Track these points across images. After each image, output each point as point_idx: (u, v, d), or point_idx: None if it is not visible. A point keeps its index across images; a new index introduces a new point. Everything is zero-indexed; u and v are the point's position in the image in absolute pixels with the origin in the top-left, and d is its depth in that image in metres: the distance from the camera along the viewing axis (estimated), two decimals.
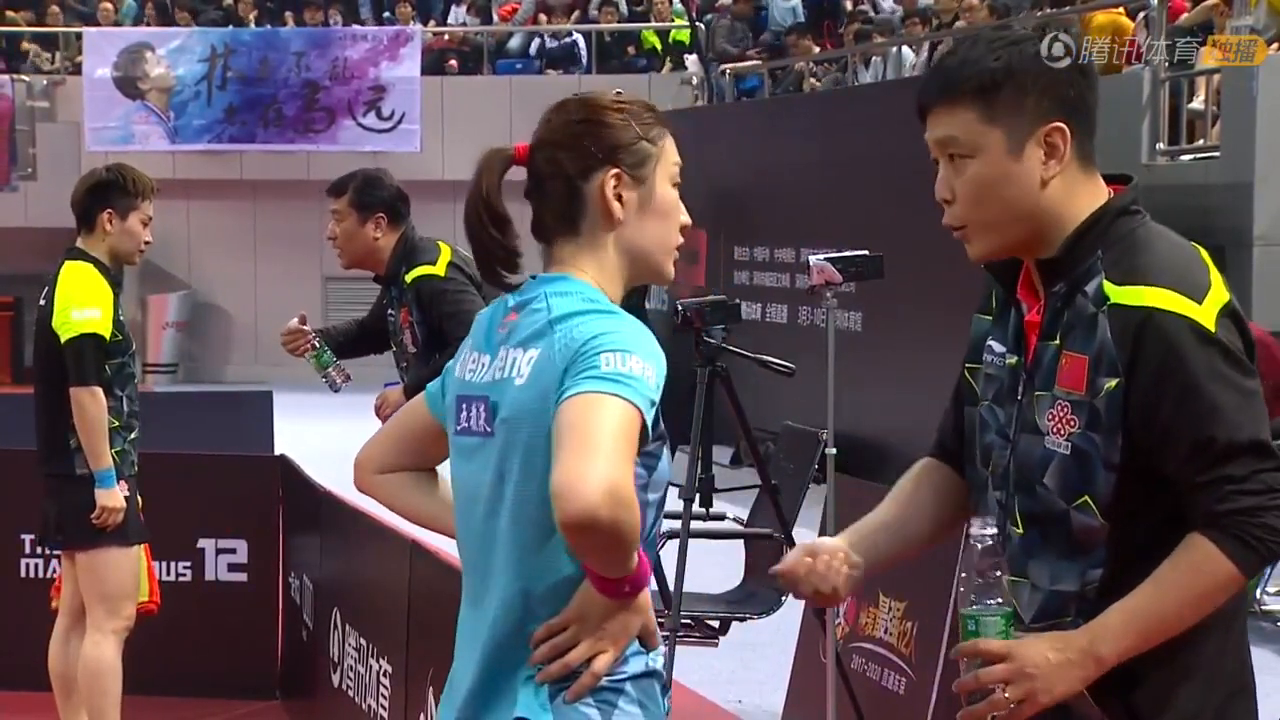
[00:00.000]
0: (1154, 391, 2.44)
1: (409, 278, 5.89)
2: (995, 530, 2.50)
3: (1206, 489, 2.42)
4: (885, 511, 2.82)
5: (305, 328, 6.17)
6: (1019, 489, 2.58)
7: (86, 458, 5.51)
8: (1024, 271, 2.64)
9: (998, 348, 2.67)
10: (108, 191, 5.64)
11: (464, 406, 2.61)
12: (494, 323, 2.63)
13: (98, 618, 5.66)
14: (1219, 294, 2.48)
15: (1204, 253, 2.56)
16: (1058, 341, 2.54)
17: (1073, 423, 2.50)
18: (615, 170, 2.58)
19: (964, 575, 2.50)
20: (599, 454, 2.32)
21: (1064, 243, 2.54)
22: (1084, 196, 2.56)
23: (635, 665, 2.52)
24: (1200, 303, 2.45)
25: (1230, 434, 2.41)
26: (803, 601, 2.93)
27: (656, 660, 2.57)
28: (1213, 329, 2.44)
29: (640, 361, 2.43)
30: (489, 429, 2.55)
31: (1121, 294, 2.47)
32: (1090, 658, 2.44)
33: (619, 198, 2.59)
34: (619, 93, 2.68)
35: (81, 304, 5.51)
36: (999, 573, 2.48)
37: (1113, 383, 2.46)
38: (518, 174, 2.69)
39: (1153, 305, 2.45)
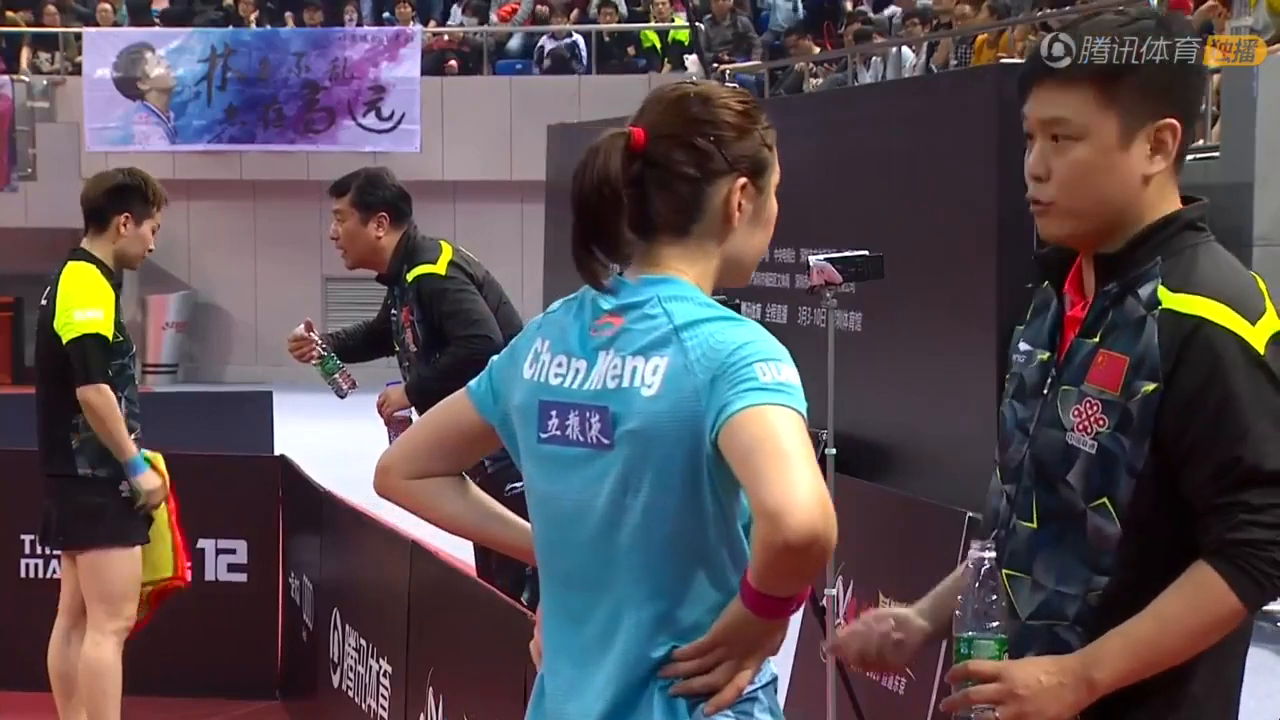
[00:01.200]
0: (1191, 402, 2.39)
1: (410, 276, 5.88)
2: (994, 554, 2.47)
3: (1220, 513, 2.38)
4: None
5: (312, 335, 6.16)
6: (1038, 484, 2.54)
7: (111, 450, 5.51)
8: (1074, 268, 2.61)
9: (1025, 346, 2.64)
10: (128, 196, 5.67)
11: (553, 413, 2.47)
12: (584, 325, 2.49)
13: (98, 618, 5.66)
14: (1273, 320, 2.44)
15: (1261, 281, 2.52)
16: (1096, 339, 2.50)
17: (1102, 422, 2.46)
18: (743, 180, 2.48)
19: (962, 599, 2.47)
20: (803, 469, 2.23)
21: (1128, 241, 2.50)
22: (1167, 201, 2.53)
23: (765, 673, 2.47)
24: (1254, 324, 2.42)
25: (1256, 460, 2.37)
26: (803, 601, 2.89)
27: (773, 665, 2.53)
28: (1262, 351, 2.41)
29: (790, 370, 2.36)
30: (606, 440, 2.41)
31: (1175, 300, 2.43)
32: (1084, 683, 2.41)
33: (739, 207, 2.49)
34: (735, 87, 2.56)
35: (84, 305, 5.51)
36: (995, 597, 2.45)
37: (1150, 387, 2.41)
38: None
39: (1205, 316, 2.41)
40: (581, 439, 2.44)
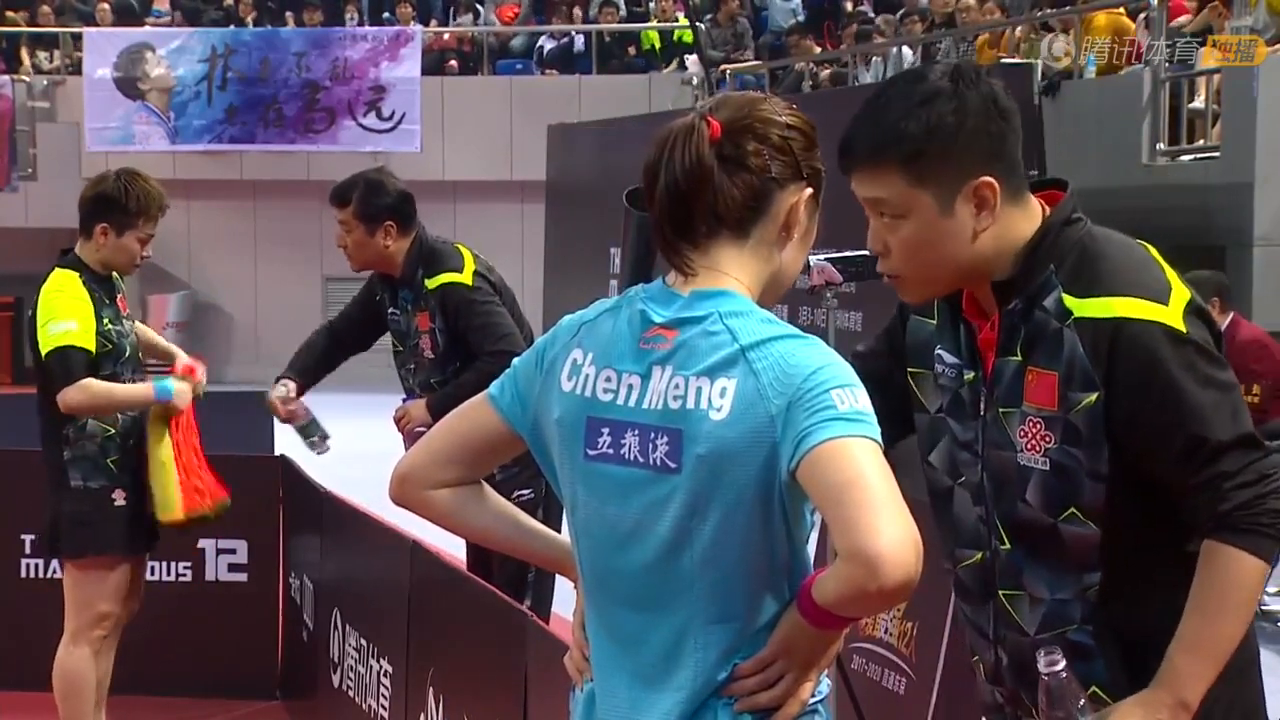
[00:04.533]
0: (1136, 400, 2.44)
1: (432, 284, 5.75)
2: (1064, 662, 2.47)
3: (1203, 490, 2.43)
4: None
5: (298, 406, 6.03)
6: (999, 504, 2.59)
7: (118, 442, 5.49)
8: (967, 292, 2.63)
9: (949, 359, 2.66)
10: (108, 207, 5.53)
11: (604, 431, 2.39)
12: (634, 337, 2.39)
13: (80, 626, 5.59)
14: (1181, 292, 2.49)
15: (1153, 250, 2.56)
16: (1020, 357, 2.53)
17: (1048, 438, 2.50)
18: (811, 190, 2.43)
19: (1044, 709, 2.49)
20: (895, 512, 2.19)
21: (1015, 263, 2.53)
22: (1021, 224, 2.55)
23: (824, 686, 2.45)
24: (1167, 304, 2.46)
25: (1219, 433, 2.43)
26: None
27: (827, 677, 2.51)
28: (1184, 329, 2.45)
29: (863, 395, 2.28)
30: (673, 464, 2.33)
31: (1086, 307, 2.47)
32: (1180, 708, 2.45)
33: (798, 219, 2.43)
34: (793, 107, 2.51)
35: (57, 317, 5.42)
36: (1082, 701, 2.47)
37: (1092, 397, 2.46)
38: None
39: (1122, 315, 2.45)
40: (641, 460, 2.36)
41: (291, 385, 6.09)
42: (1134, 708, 2.47)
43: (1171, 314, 2.45)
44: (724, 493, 2.30)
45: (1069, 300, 2.49)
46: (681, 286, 2.41)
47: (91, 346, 5.43)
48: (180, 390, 5.63)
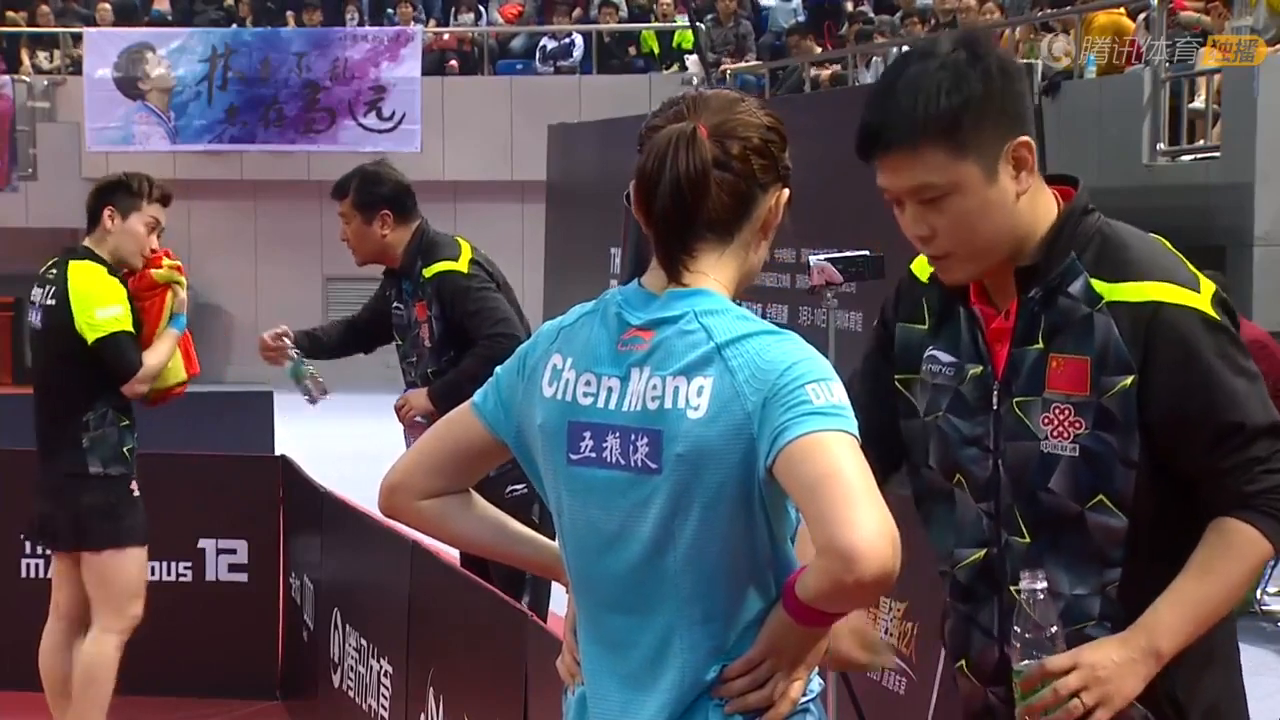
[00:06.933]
0: (1172, 383, 2.45)
1: (428, 272, 5.81)
2: (1045, 584, 2.47)
3: (1234, 473, 2.45)
4: None
5: (283, 343, 6.06)
6: (1018, 497, 2.57)
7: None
8: (975, 282, 2.63)
9: (945, 357, 2.65)
10: (113, 190, 5.70)
11: (586, 434, 2.39)
12: (611, 340, 2.40)
13: (106, 618, 5.64)
14: (1206, 283, 2.52)
15: (1166, 243, 2.59)
16: (1040, 345, 2.53)
17: (1078, 424, 2.49)
18: (787, 190, 2.45)
19: (1017, 630, 2.49)
20: (871, 503, 2.18)
21: (1040, 249, 2.54)
22: (1045, 201, 2.58)
23: (815, 685, 2.45)
24: (1198, 292, 2.49)
25: (1252, 419, 2.45)
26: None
27: (818, 675, 2.51)
28: (1216, 315, 2.48)
29: (840, 389, 2.29)
30: (654, 464, 2.33)
31: (1118, 291, 2.48)
32: (1152, 655, 2.46)
33: (774, 218, 2.45)
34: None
35: (103, 303, 5.56)
36: (1054, 628, 2.47)
37: (1126, 380, 2.46)
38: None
39: (1159, 299, 2.46)
40: (623, 462, 2.36)
41: (288, 330, 6.15)
42: (1110, 644, 2.47)
43: (1203, 301, 2.48)
44: (704, 491, 2.31)
45: (1098, 285, 2.49)
46: (656, 287, 2.42)
47: (133, 329, 5.62)
48: (181, 303, 5.79)
